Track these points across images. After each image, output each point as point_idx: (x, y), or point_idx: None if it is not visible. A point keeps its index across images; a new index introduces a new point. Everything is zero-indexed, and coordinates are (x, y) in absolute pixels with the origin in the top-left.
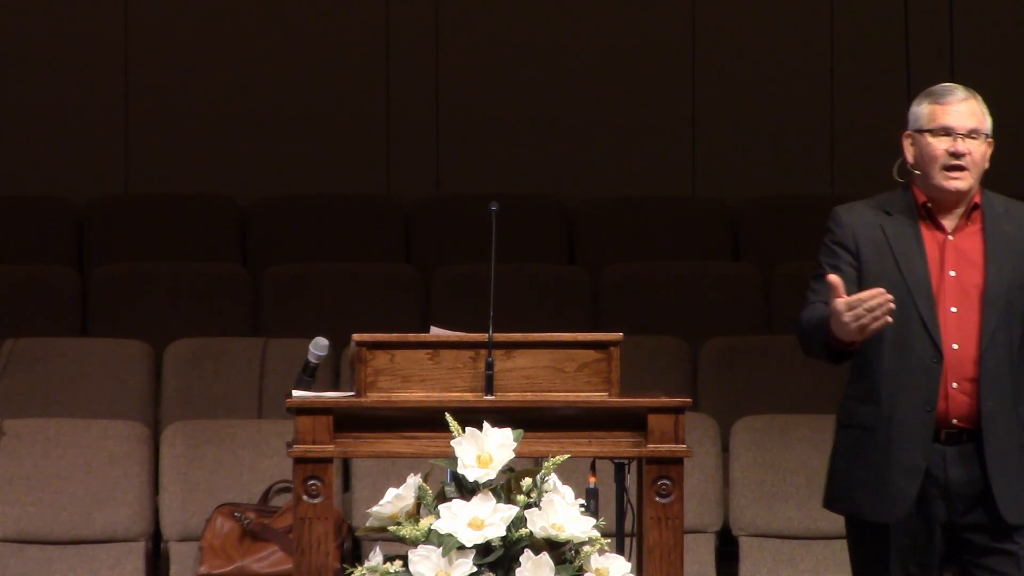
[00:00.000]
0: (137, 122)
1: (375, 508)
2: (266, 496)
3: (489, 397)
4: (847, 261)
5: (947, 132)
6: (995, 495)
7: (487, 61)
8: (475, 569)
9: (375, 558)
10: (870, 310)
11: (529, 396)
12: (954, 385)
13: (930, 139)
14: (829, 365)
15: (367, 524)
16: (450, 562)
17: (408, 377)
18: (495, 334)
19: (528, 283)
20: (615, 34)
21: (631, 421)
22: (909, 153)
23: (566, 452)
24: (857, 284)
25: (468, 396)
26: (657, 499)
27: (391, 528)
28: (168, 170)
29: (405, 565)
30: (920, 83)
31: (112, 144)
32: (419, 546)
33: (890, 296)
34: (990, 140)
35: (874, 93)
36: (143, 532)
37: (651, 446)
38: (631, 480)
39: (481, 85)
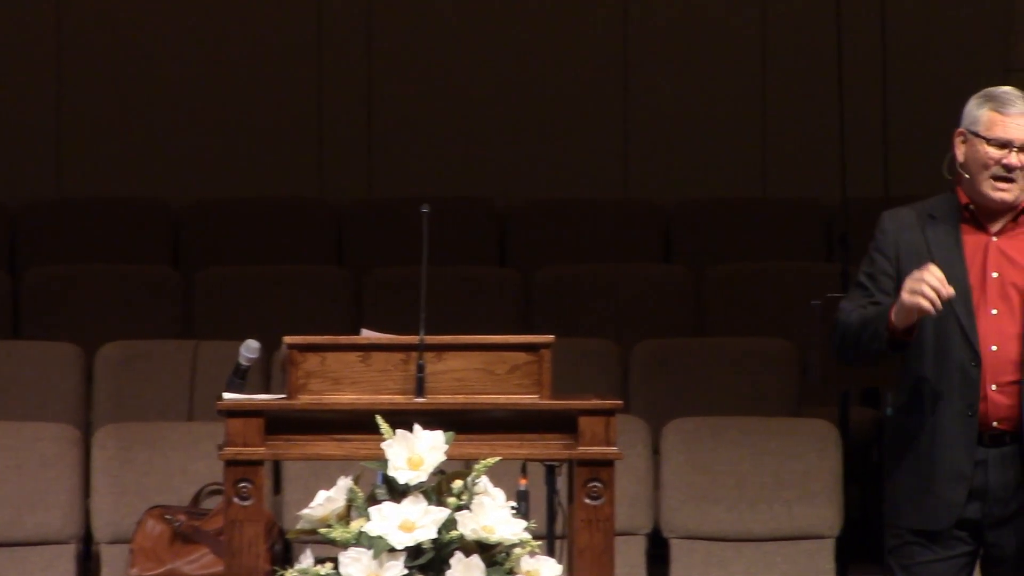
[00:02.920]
0: (69, 125)
1: (306, 510)
2: (197, 498)
3: (420, 399)
4: (884, 269)
5: (1004, 144)
6: None
7: (419, 64)
8: (406, 572)
9: (306, 560)
10: (933, 288)
11: (460, 398)
12: (993, 387)
13: (986, 147)
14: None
15: (298, 526)
16: (381, 564)
17: (339, 379)
18: (426, 336)
19: (460, 285)
20: (545, 36)
21: (562, 423)
22: (960, 152)
23: (497, 454)
24: (894, 292)
25: (399, 398)
26: (588, 501)
27: (322, 531)
28: (100, 173)
29: (336, 568)
30: (852, 85)
31: (44, 147)
32: (350, 548)
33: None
34: None
35: (806, 96)
36: (74, 534)
37: (582, 448)
38: (562, 482)
39: (413, 88)
